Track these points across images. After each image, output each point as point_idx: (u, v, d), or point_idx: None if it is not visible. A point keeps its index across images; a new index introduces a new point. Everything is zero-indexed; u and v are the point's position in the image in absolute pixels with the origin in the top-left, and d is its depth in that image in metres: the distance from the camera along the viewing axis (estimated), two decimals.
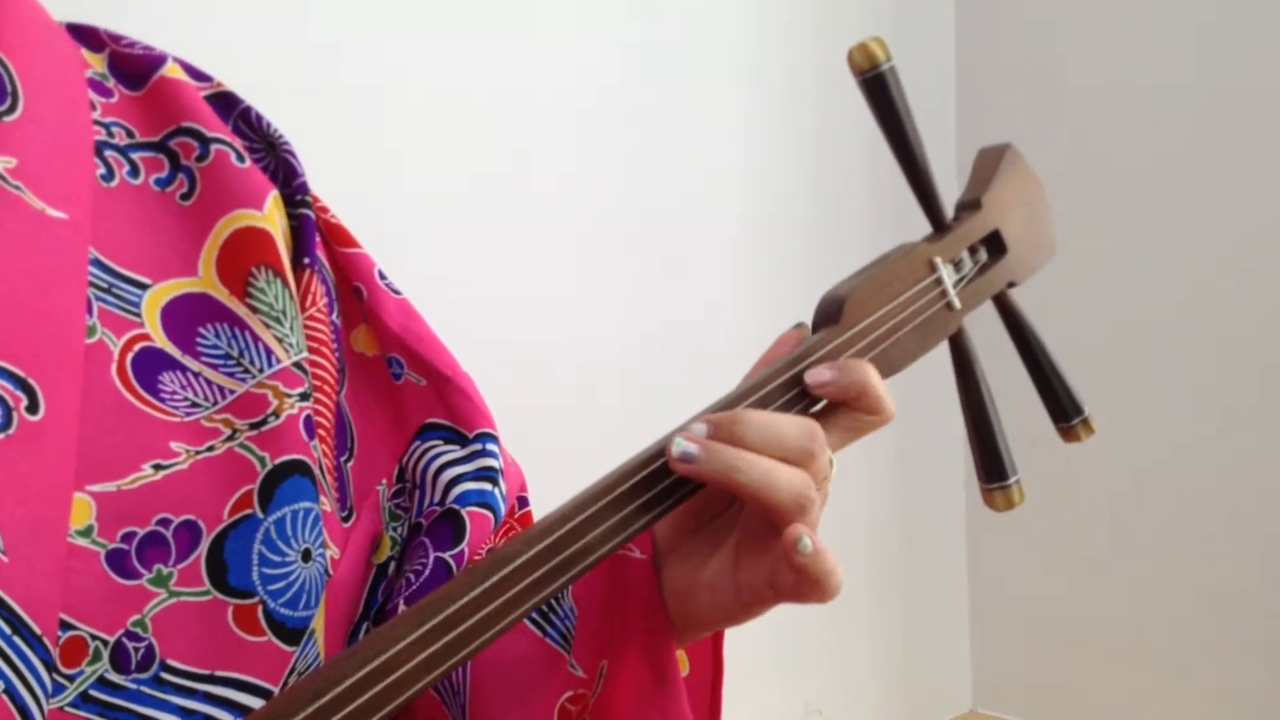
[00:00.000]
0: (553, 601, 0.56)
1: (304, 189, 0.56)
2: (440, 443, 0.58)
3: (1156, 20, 1.80)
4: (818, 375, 0.51)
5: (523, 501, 0.62)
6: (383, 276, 0.59)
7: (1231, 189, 1.75)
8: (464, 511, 0.56)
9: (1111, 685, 1.92)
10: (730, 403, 0.50)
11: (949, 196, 0.58)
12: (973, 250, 0.58)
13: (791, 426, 0.48)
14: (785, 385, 0.51)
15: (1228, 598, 1.78)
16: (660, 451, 0.48)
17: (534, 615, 0.56)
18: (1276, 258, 1.71)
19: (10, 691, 0.42)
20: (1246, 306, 1.74)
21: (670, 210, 1.63)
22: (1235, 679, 1.79)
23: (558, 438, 1.27)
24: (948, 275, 0.56)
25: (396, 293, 0.60)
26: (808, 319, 0.54)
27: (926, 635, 2.04)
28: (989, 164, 0.60)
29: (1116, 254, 1.86)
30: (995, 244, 0.58)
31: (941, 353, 0.58)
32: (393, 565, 0.57)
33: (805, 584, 0.49)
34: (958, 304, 0.56)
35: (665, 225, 1.62)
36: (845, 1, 1.83)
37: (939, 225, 0.56)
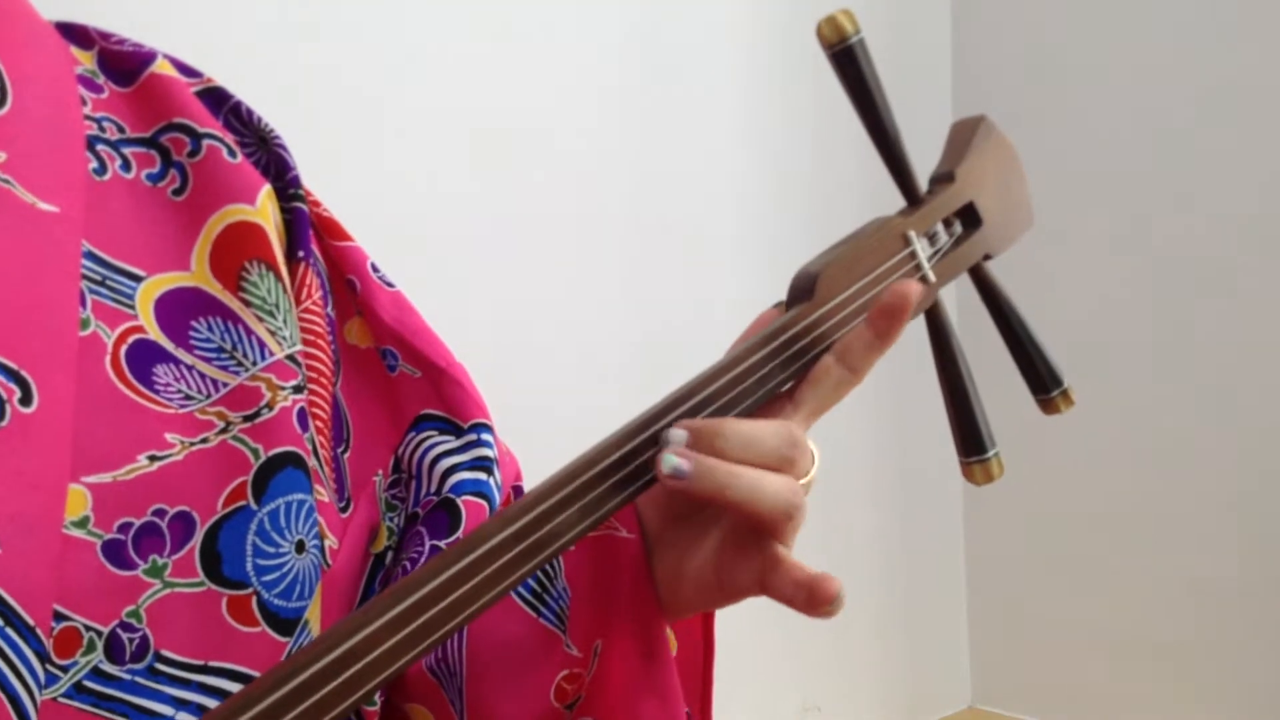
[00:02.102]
0: (546, 583, 0.56)
1: (296, 183, 0.56)
2: (435, 433, 0.58)
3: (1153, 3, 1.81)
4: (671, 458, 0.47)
5: (518, 491, 0.62)
6: (375, 269, 0.60)
7: (1228, 171, 1.75)
8: (460, 501, 0.56)
9: (1109, 681, 1.92)
10: (704, 382, 0.49)
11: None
12: (947, 223, 0.58)
13: (770, 434, 0.48)
14: (765, 359, 0.51)
15: (1226, 594, 1.78)
16: (634, 431, 0.48)
17: (528, 597, 0.56)
18: (1274, 245, 1.71)
19: (3, 683, 0.42)
20: (1247, 299, 1.74)
21: (669, 206, 1.63)
22: (1233, 676, 1.79)
23: (555, 431, 1.27)
24: (922, 249, 0.56)
25: (390, 285, 0.60)
26: None
27: (925, 631, 2.05)
28: (963, 136, 0.60)
29: (1115, 242, 1.86)
30: (970, 216, 0.58)
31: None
32: (390, 555, 0.57)
33: (800, 604, 0.48)
34: (932, 277, 0.56)
35: (664, 221, 1.63)
36: None
37: (913, 199, 0.56)
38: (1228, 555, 1.78)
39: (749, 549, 0.50)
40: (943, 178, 0.58)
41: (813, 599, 0.47)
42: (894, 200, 0.57)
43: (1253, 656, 1.77)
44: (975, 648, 2.11)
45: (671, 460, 0.47)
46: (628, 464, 0.47)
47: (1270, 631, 1.75)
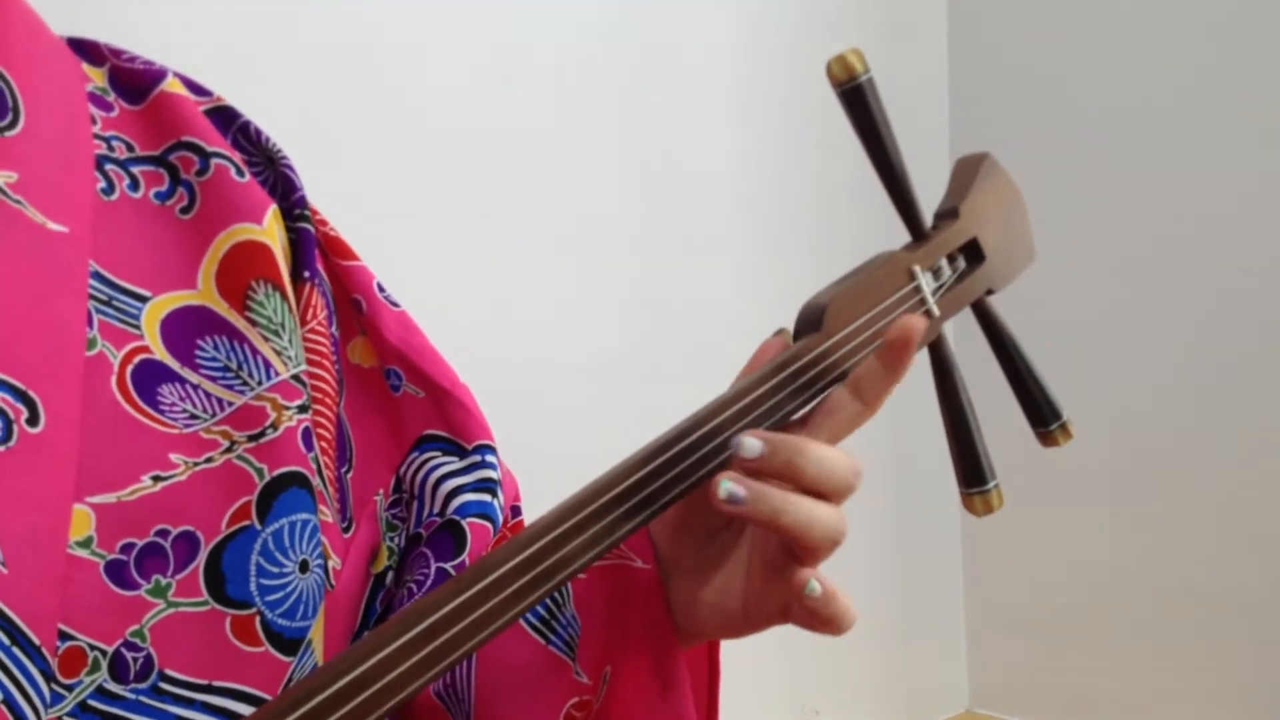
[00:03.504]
0: (555, 609, 0.56)
1: (302, 203, 0.56)
2: (439, 454, 0.58)
3: (1153, 23, 1.80)
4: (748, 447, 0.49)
5: (516, 511, 0.63)
6: (381, 289, 0.60)
7: (1225, 195, 1.75)
8: (465, 522, 0.56)
9: (1107, 684, 1.92)
10: (714, 412, 0.50)
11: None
12: (951, 258, 0.58)
13: (844, 463, 0.50)
14: (773, 390, 0.51)
15: (1224, 596, 1.79)
16: (642, 461, 0.48)
17: (537, 623, 0.56)
18: (1271, 259, 1.71)
19: (9, 702, 0.42)
20: (1241, 308, 1.74)
21: (666, 214, 1.63)
22: (1232, 677, 1.80)
23: (556, 443, 1.27)
24: (926, 283, 0.56)
25: (395, 305, 0.60)
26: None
27: (922, 635, 2.05)
28: (967, 172, 0.60)
29: (1111, 255, 1.86)
30: (973, 252, 0.59)
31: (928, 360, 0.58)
32: (390, 575, 0.57)
33: (818, 622, 0.50)
34: (936, 311, 0.56)
35: (661, 230, 1.63)
36: (839, 5, 1.83)
37: (918, 234, 0.57)
38: (1225, 558, 1.78)
39: (780, 577, 0.51)
40: (947, 214, 0.58)
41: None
42: (887, 207, 0.58)
43: (1250, 659, 1.77)
44: (973, 651, 2.11)
45: (727, 486, 0.47)
46: (637, 493, 0.47)
47: (1268, 634, 1.75)
